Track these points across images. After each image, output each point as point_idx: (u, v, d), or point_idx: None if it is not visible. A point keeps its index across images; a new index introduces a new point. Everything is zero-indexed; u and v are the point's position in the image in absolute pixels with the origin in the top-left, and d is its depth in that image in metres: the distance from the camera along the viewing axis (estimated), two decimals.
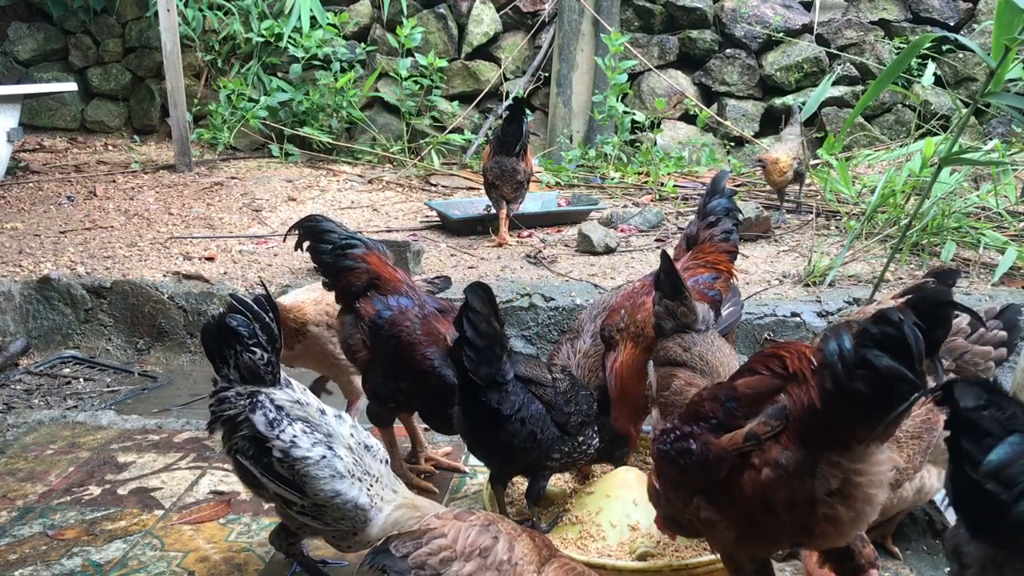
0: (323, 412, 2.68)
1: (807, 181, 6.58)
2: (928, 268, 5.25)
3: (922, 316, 1.76)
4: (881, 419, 1.84)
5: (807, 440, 1.91)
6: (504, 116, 5.75)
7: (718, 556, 2.33)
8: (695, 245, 3.48)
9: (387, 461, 2.72)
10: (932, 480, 2.76)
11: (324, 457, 2.53)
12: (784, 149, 6.26)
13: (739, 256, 5.71)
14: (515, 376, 2.73)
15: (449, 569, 2.02)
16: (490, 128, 8.70)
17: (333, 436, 2.61)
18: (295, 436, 2.54)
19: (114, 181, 7.96)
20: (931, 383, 1.81)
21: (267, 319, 2.67)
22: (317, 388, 3.97)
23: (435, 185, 7.87)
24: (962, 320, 2.87)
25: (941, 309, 1.78)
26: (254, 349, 2.62)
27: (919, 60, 7.19)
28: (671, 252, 3.36)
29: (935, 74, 7.35)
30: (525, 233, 6.29)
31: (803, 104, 6.88)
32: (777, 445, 1.94)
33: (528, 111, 8.73)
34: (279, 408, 2.60)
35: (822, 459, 1.90)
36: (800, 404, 1.92)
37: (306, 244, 3.46)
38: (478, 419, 2.74)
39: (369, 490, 2.57)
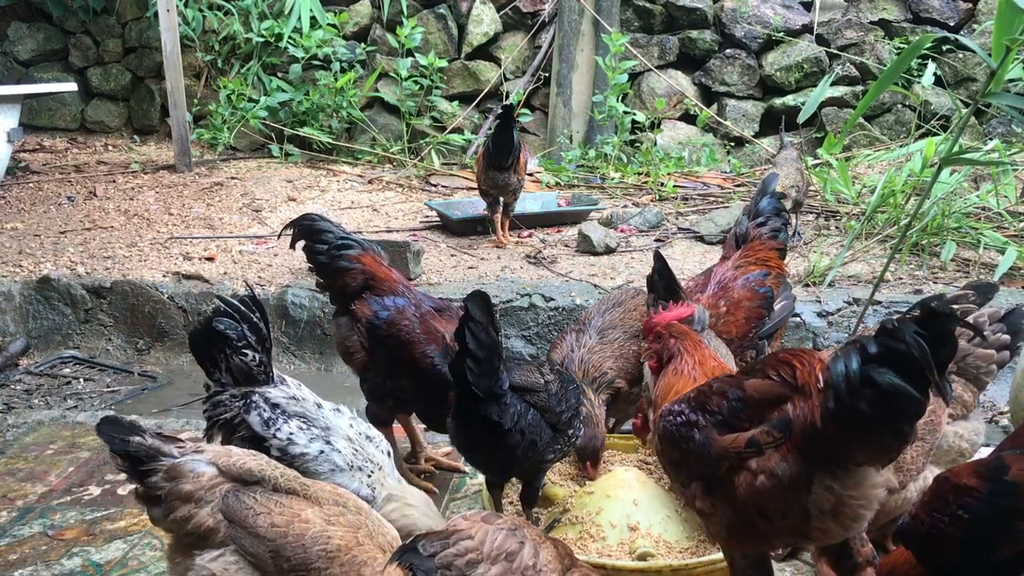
0: (320, 406, 2.69)
1: (803, 207, 6.05)
2: (928, 268, 5.25)
3: (923, 328, 1.70)
4: (883, 443, 1.80)
5: (806, 456, 1.90)
6: (494, 127, 5.73)
7: (717, 557, 2.34)
8: (745, 243, 3.47)
9: (391, 453, 2.72)
10: None
11: (322, 452, 2.53)
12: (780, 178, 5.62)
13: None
14: (511, 386, 2.71)
15: (475, 571, 2.01)
16: (490, 128, 8.69)
17: (331, 429, 2.61)
18: (291, 433, 2.55)
19: (114, 181, 7.95)
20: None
21: (255, 319, 2.67)
22: None
23: (435, 185, 7.87)
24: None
25: (942, 322, 1.71)
26: (245, 351, 2.62)
27: (919, 60, 7.18)
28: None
29: (935, 74, 7.34)
30: (525, 233, 6.29)
31: (787, 136, 6.47)
32: (776, 454, 1.93)
33: (527, 111, 8.76)
34: (275, 406, 2.61)
35: (817, 479, 1.89)
36: (803, 420, 1.90)
37: (301, 243, 3.46)
38: (478, 432, 2.68)
39: (370, 477, 2.57)
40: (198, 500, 2.20)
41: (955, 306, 2.81)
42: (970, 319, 2.81)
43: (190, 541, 2.21)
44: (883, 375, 1.71)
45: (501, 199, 5.84)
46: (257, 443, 2.53)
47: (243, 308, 2.67)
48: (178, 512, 2.20)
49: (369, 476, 2.57)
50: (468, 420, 2.67)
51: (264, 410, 2.59)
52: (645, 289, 3.74)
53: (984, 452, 2.57)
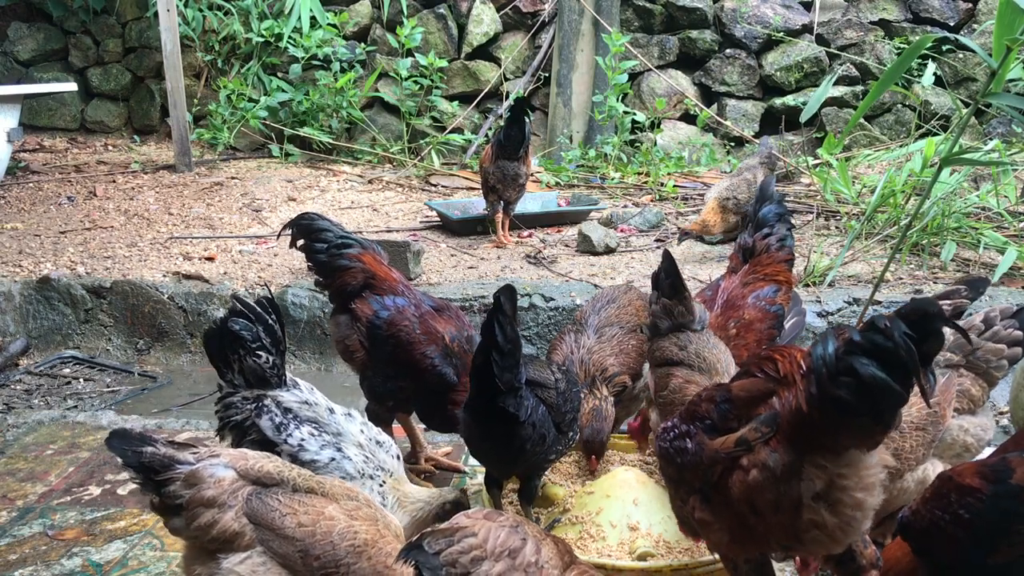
0: (332, 411, 2.66)
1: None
2: (928, 268, 5.25)
3: (912, 328, 1.72)
4: (866, 427, 1.82)
5: (795, 443, 1.91)
6: (505, 119, 5.72)
7: (716, 556, 2.33)
8: (752, 257, 3.41)
9: (400, 456, 2.70)
10: (936, 474, 2.73)
11: (333, 459, 2.50)
12: (715, 193, 5.48)
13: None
14: (525, 380, 2.72)
15: (479, 568, 2.03)
16: (490, 128, 8.69)
17: (343, 435, 2.58)
18: (303, 440, 2.52)
19: (114, 181, 7.95)
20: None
21: (270, 321, 2.65)
22: None
23: (435, 185, 7.87)
24: (976, 317, 2.86)
25: (930, 322, 1.72)
26: (259, 353, 2.59)
27: (919, 60, 7.18)
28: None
29: (935, 74, 7.35)
30: (525, 233, 6.29)
31: (768, 139, 6.43)
32: (766, 447, 1.95)
33: (529, 111, 8.75)
34: (287, 411, 2.58)
35: (808, 461, 1.90)
36: (789, 408, 1.92)
37: (300, 243, 3.45)
38: (493, 425, 2.69)
39: (381, 487, 2.55)
40: (221, 505, 2.17)
41: (947, 301, 2.82)
42: (981, 315, 2.81)
43: (214, 547, 2.19)
44: (865, 366, 1.73)
45: (502, 200, 5.83)
46: (267, 447, 2.51)
47: (259, 310, 2.65)
48: (202, 519, 2.17)
49: (381, 486, 2.55)
50: (485, 411, 2.67)
51: (276, 415, 2.56)
52: (639, 287, 3.74)
53: (986, 452, 2.57)
